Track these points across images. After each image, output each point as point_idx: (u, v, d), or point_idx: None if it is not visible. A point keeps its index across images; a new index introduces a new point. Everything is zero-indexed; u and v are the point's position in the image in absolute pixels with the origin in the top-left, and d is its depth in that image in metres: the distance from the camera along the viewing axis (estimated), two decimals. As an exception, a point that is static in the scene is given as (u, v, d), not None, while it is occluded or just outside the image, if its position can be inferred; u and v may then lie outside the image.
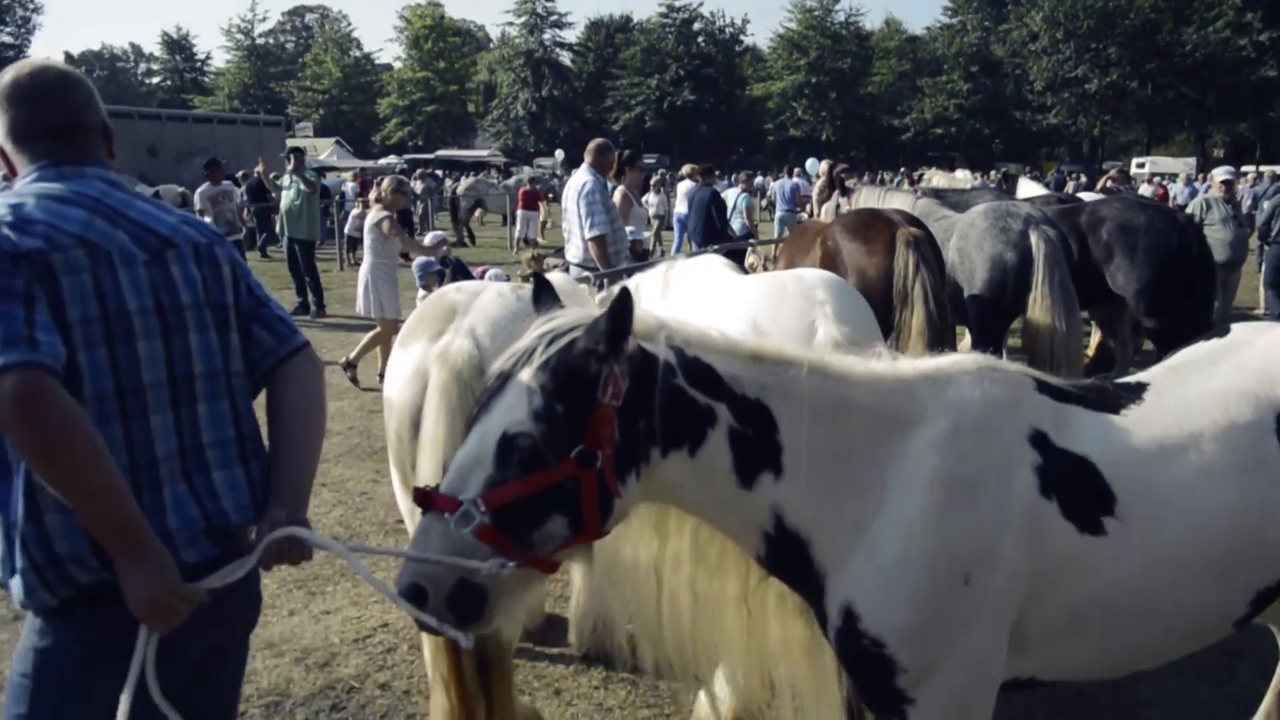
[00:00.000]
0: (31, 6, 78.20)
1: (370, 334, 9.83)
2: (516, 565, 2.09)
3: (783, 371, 2.29)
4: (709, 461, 2.25)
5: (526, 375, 2.13)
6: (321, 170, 25.43)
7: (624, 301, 2.09)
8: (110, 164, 2.29)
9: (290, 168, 14.47)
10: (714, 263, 5.07)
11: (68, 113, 2.20)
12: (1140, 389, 2.57)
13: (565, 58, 76.09)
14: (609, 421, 2.12)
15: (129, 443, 2.07)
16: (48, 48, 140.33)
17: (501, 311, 3.27)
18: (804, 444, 2.26)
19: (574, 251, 7.94)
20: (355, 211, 20.96)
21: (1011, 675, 2.42)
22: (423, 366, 3.22)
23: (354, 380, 9.58)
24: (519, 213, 22.46)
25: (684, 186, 14.77)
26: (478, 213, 25.52)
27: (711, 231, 11.84)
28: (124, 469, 2.00)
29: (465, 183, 25.75)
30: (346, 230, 20.28)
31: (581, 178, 7.79)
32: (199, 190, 14.59)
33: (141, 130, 28.96)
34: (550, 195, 26.48)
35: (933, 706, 2.30)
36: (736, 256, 12.11)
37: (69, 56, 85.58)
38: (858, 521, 2.28)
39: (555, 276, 4.52)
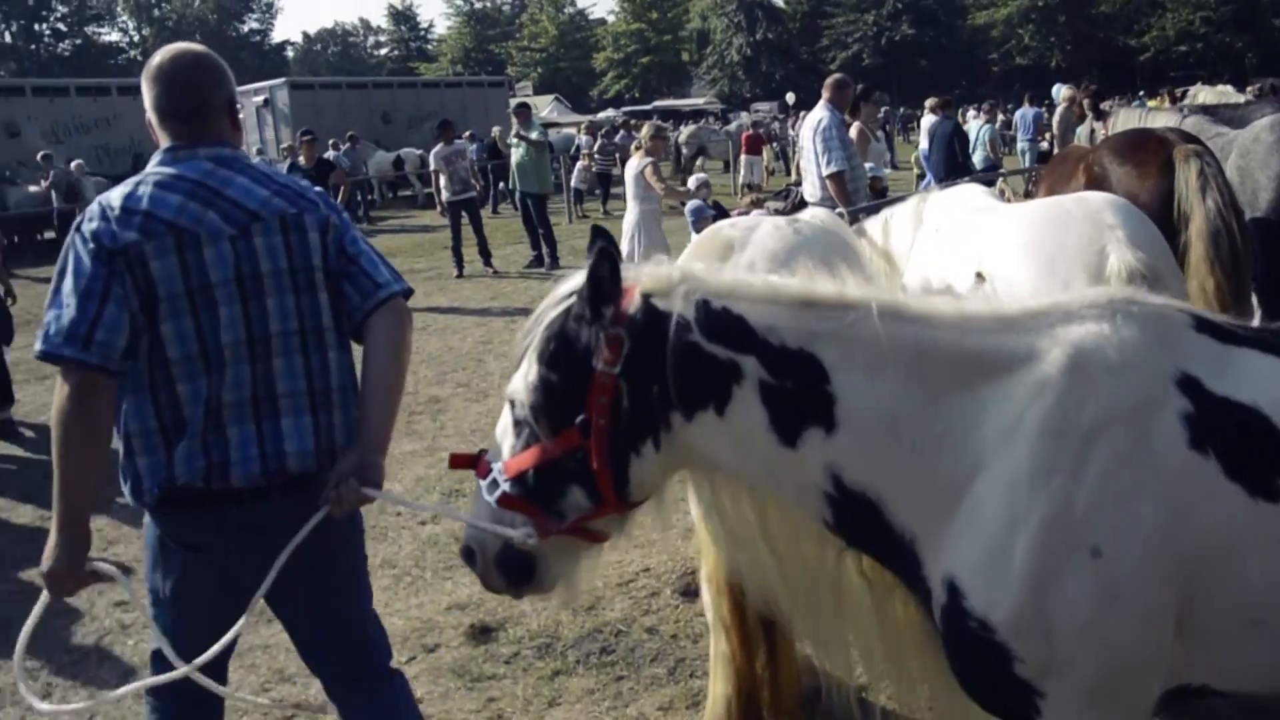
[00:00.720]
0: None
1: None
2: (553, 534, 2.10)
3: (840, 316, 2.02)
4: (741, 421, 2.04)
5: (533, 344, 2.12)
6: (545, 126, 26.06)
7: (600, 261, 1.99)
8: (230, 139, 2.63)
9: (516, 126, 14.87)
10: (973, 192, 4.81)
11: (192, 96, 2.54)
12: None
13: (778, -1, 74.64)
14: (608, 389, 2.02)
15: (207, 392, 2.45)
16: (287, 30, 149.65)
17: (779, 244, 3.17)
18: (866, 395, 1.98)
19: (811, 189, 7.77)
20: (581, 164, 21.40)
21: (1176, 681, 1.99)
22: None
23: None
24: (742, 158, 22.25)
25: (926, 121, 14.20)
26: (700, 159, 25.52)
27: (954, 165, 11.38)
28: (201, 412, 2.45)
29: (687, 130, 25.78)
30: (573, 183, 20.73)
31: (817, 114, 7.60)
32: (434, 151, 15.15)
33: (376, 98, 30.44)
34: (772, 139, 26.12)
35: (1062, 713, 1.94)
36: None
37: (305, 36, 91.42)
38: (952, 480, 1.96)
39: (819, 211, 4.40)
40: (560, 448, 2.06)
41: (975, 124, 14.24)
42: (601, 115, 51.85)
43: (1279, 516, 1.88)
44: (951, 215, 4.29)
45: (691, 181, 10.31)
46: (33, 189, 20.26)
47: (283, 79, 31.32)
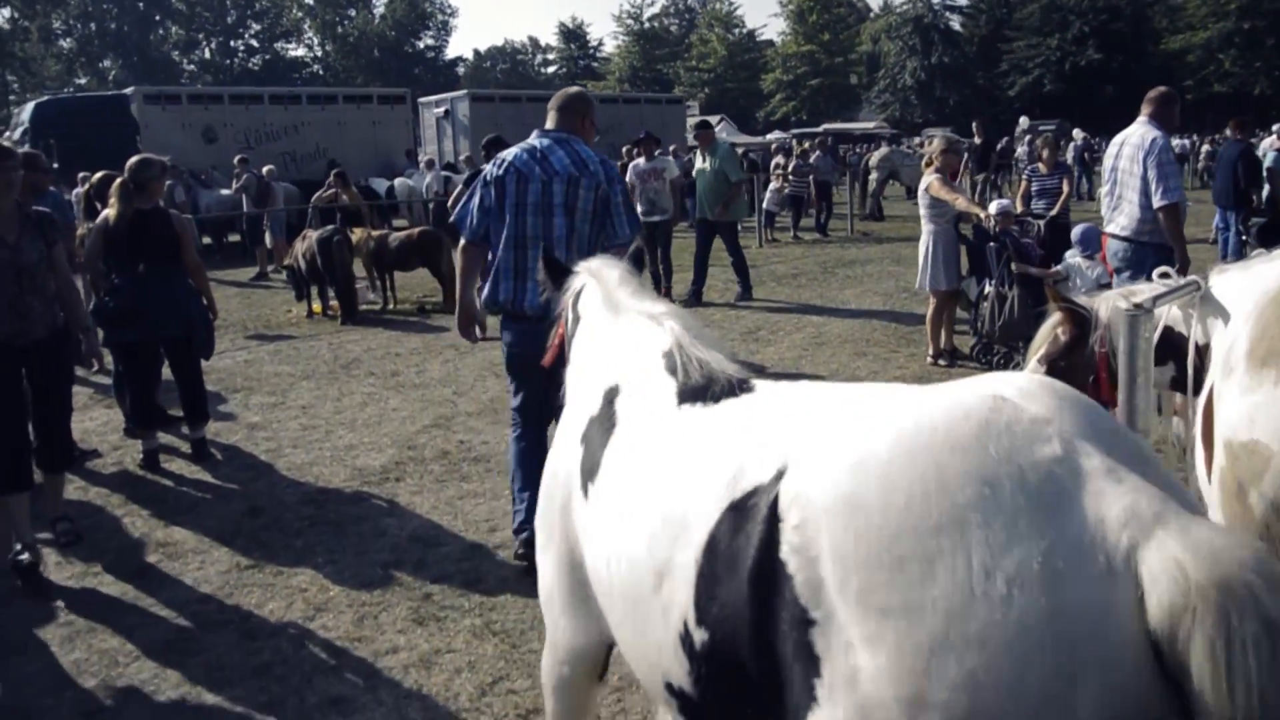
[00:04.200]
0: (449, 12, 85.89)
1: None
2: None
3: None
4: None
5: None
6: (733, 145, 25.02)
7: None
8: (568, 132, 4.83)
9: (697, 145, 13.43)
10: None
11: (562, 108, 4.89)
12: None
13: (955, 22, 72.19)
14: None
15: (516, 261, 4.73)
16: (460, 48, 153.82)
17: None
18: None
19: (1124, 221, 6.53)
20: (774, 186, 20.34)
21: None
22: None
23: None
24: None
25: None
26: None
27: (1238, 193, 9.88)
28: (513, 271, 4.74)
29: (878, 153, 24.38)
30: (765, 205, 19.68)
31: (1142, 132, 6.38)
32: (632, 165, 14.20)
33: (555, 113, 30.11)
34: (968, 165, 24.47)
35: None
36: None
37: (477, 53, 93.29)
38: None
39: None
40: None
41: (1269, 145, 12.49)
42: (770, 136, 50.87)
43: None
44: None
45: (994, 206, 9.16)
46: (225, 192, 20.44)
47: (464, 91, 31.38)
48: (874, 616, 1.41)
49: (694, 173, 13.63)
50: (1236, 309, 2.82)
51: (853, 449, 1.58)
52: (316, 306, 13.21)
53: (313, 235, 12.91)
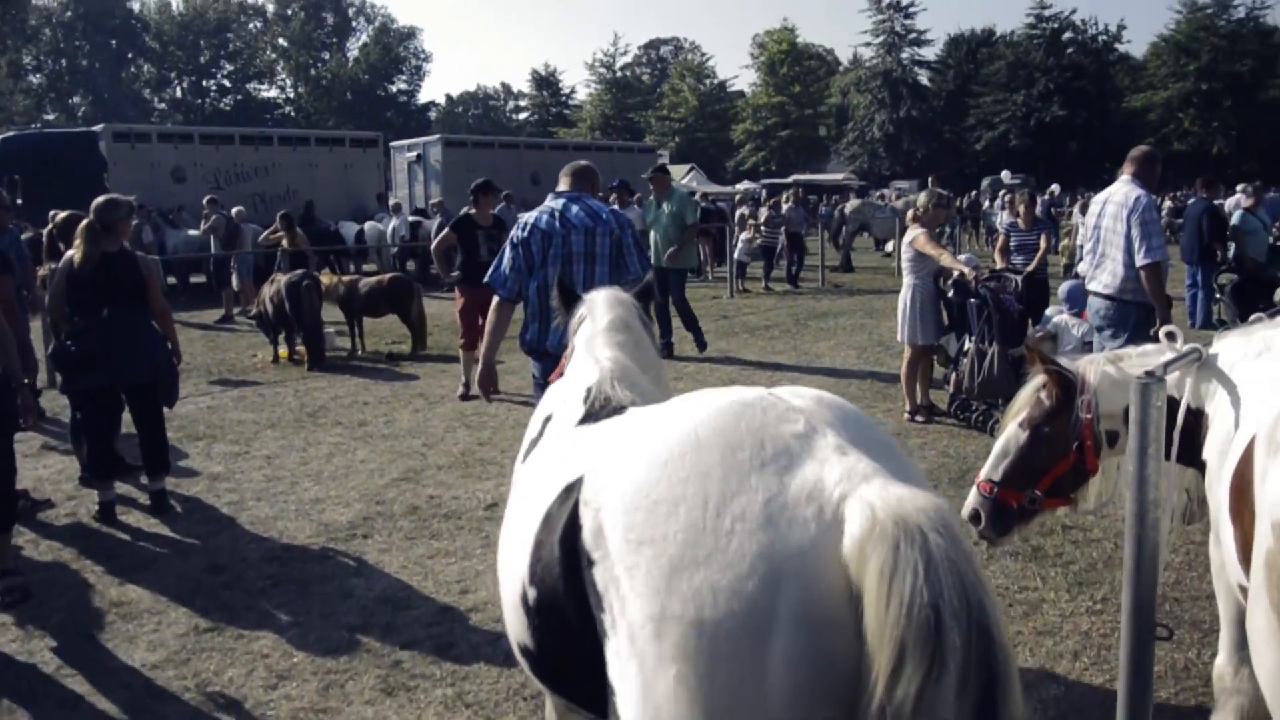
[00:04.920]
0: (422, 57, 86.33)
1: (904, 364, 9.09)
2: None
3: None
4: None
5: None
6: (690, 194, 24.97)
7: None
8: (580, 192, 5.52)
9: (652, 191, 13.02)
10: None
11: (575, 174, 5.62)
12: None
13: (923, 77, 73.27)
14: None
15: (542, 306, 5.26)
16: (432, 92, 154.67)
17: None
18: None
19: (1107, 279, 6.49)
20: (745, 236, 20.35)
21: None
22: None
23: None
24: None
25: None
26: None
27: (1203, 250, 9.95)
28: (538, 314, 5.33)
29: (852, 204, 24.51)
30: (737, 255, 19.67)
31: (1126, 191, 6.36)
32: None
33: (526, 159, 30.11)
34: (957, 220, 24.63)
35: None
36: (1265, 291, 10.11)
37: (449, 98, 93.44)
38: None
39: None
40: None
41: (1237, 207, 12.59)
42: (739, 186, 51.17)
43: None
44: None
45: (963, 258, 9.15)
46: (192, 233, 20.18)
47: (437, 136, 31.30)
48: (633, 548, 1.76)
49: (649, 220, 13.06)
50: (1259, 382, 2.72)
51: (644, 426, 2.03)
52: (283, 352, 12.96)
53: (281, 279, 12.70)
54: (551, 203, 5.46)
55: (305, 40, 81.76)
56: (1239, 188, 18.15)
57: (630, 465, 1.89)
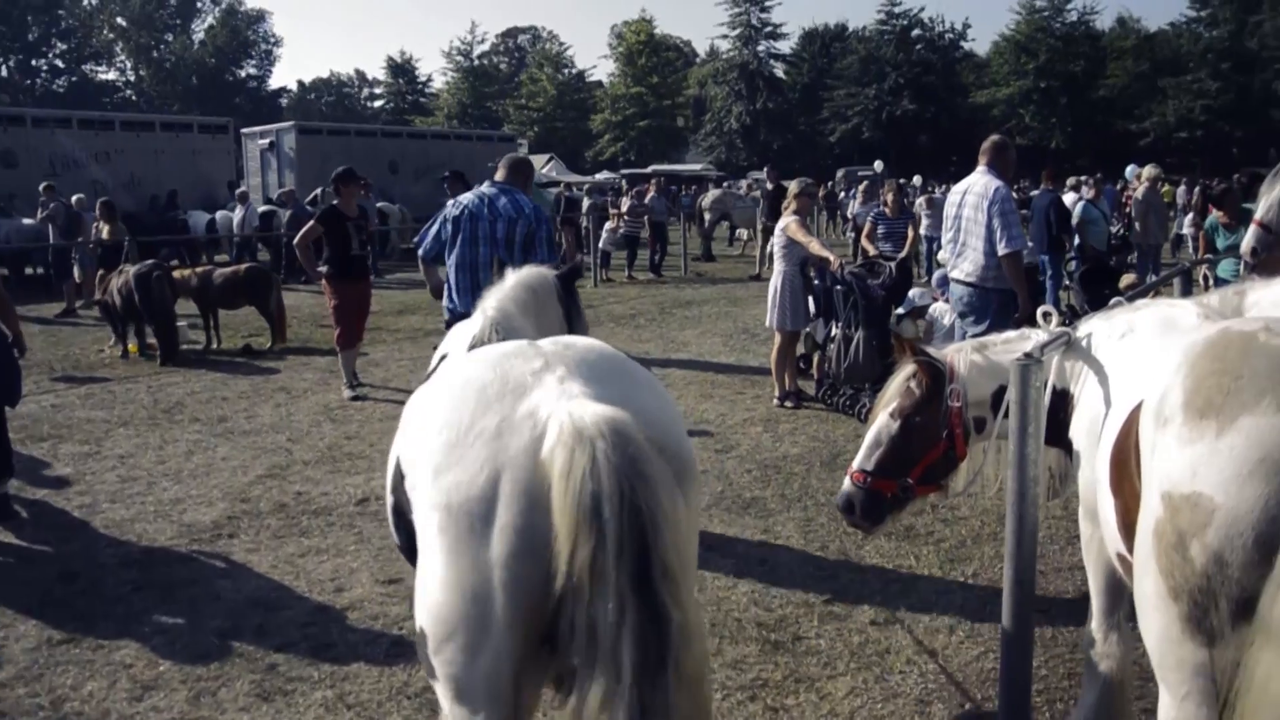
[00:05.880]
0: (272, 41, 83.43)
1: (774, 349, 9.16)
2: None
3: None
4: None
5: None
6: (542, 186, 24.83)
7: None
8: (509, 184, 6.45)
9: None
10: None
11: (511, 168, 6.59)
12: None
13: (779, 69, 74.67)
14: None
15: (465, 279, 6.28)
16: (284, 78, 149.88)
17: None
18: None
19: (968, 267, 6.72)
20: (609, 226, 20.37)
21: None
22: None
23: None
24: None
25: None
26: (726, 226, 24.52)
27: (1051, 240, 10.46)
28: (461, 287, 6.32)
29: (712, 194, 24.78)
30: (601, 245, 19.67)
31: (984, 182, 6.60)
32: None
33: (383, 147, 29.41)
34: (763, 210, 25.06)
35: None
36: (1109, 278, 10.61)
37: (301, 85, 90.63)
38: None
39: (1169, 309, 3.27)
40: None
41: (1070, 198, 13.23)
42: (599, 176, 51.20)
43: None
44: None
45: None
46: (27, 221, 19.03)
47: (290, 123, 30.21)
48: (410, 459, 2.39)
49: None
50: (1146, 358, 2.84)
51: (448, 371, 2.63)
52: (133, 346, 12.35)
53: (130, 270, 12.08)
54: (486, 189, 6.42)
55: (146, 20, 77.90)
56: (1082, 180, 19.04)
57: (428, 401, 2.50)
